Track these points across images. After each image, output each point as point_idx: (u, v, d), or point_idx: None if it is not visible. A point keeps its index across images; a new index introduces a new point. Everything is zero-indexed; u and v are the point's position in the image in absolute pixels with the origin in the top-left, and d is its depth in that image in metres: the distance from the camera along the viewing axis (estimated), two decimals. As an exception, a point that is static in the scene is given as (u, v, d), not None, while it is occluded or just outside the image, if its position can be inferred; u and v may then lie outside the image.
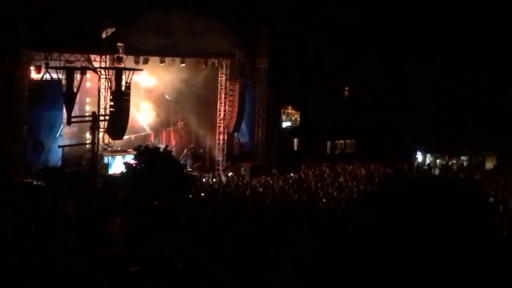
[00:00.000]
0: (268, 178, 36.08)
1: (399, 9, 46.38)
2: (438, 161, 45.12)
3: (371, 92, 46.47)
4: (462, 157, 45.39)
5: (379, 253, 22.16)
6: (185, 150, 40.37)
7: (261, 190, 32.75)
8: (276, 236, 24.26)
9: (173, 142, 40.26)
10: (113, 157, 36.29)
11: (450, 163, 44.25)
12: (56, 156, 34.68)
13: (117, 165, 35.47)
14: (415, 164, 44.26)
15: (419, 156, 46.11)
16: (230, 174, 37.81)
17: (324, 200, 30.83)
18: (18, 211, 25.23)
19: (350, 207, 29.04)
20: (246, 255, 22.99)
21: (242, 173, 38.52)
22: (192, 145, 41.15)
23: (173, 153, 34.84)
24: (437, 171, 41.81)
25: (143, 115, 40.29)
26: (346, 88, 48.26)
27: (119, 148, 37.29)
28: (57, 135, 35.37)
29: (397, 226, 24.46)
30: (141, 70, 36.33)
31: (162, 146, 35.67)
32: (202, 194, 31.44)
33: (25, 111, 33.84)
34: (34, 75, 34.06)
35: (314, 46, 44.27)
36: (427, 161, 45.57)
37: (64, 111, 33.09)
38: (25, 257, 21.19)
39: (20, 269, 20.38)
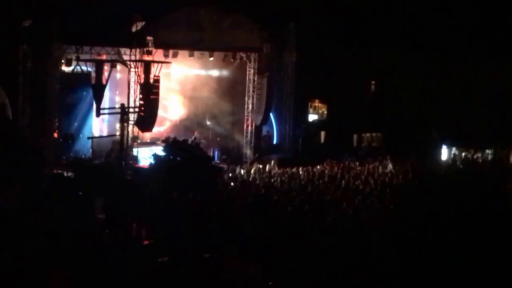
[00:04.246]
0: (294, 170, 34.95)
1: (425, 6, 45.32)
2: (463, 154, 43.80)
3: (397, 86, 45.28)
4: (487, 151, 44.02)
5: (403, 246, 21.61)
6: None
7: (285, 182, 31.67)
8: (301, 229, 23.51)
9: (199, 134, 39.29)
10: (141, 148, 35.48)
11: (475, 157, 43.00)
12: (85, 148, 34.16)
13: (146, 157, 34.67)
14: (440, 157, 43.04)
15: (445, 150, 44.81)
16: (258, 166, 36.72)
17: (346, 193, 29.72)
18: (48, 202, 24.87)
19: (373, 200, 28.03)
20: (273, 247, 22.22)
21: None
22: (220, 138, 40.31)
23: (202, 146, 34.29)
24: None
25: (172, 107, 39.55)
26: (373, 82, 47.18)
27: (148, 140, 36.43)
28: (87, 127, 34.82)
29: (423, 219, 23.72)
30: (170, 63, 35.66)
31: (190, 138, 34.97)
32: (232, 184, 30.43)
33: (56, 103, 33.20)
34: (65, 68, 33.43)
35: (341, 40, 43.18)
36: (452, 155, 44.29)
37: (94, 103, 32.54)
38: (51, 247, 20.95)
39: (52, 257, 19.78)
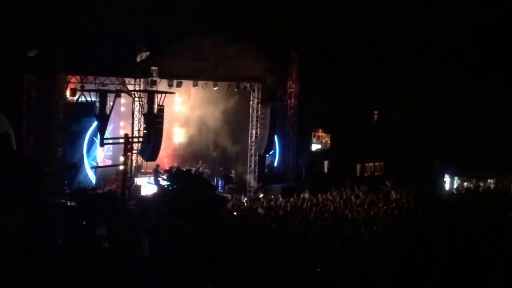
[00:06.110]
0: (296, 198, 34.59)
1: (428, 35, 45.34)
2: (465, 184, 43.38)
3: (400, 116, 45.11)
4: (489, 180, 43.58)
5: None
6: None
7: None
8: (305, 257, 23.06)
9: (202, 163, 38.84)
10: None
11: (477, 186, 42.62)
12: (89, 177, 33.75)
13: (150, 186, 34.24)
14: (443, 186, 42.64)
15: (447, 179, 44.39)
16: (261, 195, 36.25)
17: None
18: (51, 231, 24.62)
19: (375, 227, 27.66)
20: (281, 276, 21.82)
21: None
22: (223, 167, 39.82)
23: (205, 175, 33.85)
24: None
25: (176, 137, 39.15)
26: (376, 112, 46.98)
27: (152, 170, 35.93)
28: (91, 157, 34.41)
29: (426, 248, 23.44)
30: (174, 93, 35.23)
31: (194, 168, 34.50)
32: (235, 213, 29.92)
33: (60, 133, 32.82)
34: (70, 97, 33.07)
35: (344, 70, 43.06)
36: (455, 184, 43.88)
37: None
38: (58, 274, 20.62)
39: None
